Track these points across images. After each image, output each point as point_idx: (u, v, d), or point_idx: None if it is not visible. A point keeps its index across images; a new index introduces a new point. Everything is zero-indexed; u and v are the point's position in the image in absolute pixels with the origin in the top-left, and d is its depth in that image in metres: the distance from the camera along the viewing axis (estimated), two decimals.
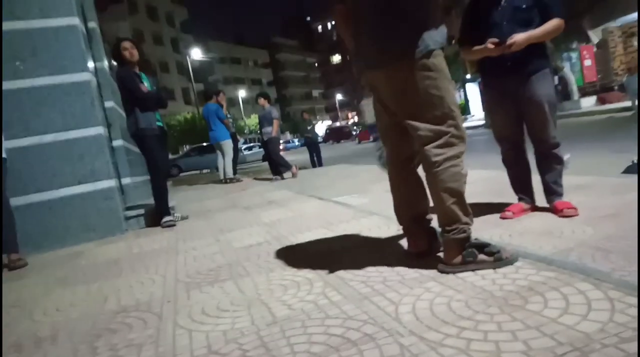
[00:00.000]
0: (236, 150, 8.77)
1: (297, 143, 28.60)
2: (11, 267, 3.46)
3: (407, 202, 2.07)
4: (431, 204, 1.95)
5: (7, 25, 3.99)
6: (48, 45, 4.11)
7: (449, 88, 1.82)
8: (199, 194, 7.36)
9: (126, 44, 4.26)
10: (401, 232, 2.19)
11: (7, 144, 3.77)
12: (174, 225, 4.31)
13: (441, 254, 1.92)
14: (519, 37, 2.32)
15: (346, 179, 6.41)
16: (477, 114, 28.17)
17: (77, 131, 4.22)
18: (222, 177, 8.59)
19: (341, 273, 2.00)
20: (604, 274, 1.54)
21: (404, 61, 1.78)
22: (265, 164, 11.01)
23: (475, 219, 2.03)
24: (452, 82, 1.90)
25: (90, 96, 4.27)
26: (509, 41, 2.33)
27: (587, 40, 19.06)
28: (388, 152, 2.09)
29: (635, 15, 15.56)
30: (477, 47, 2.49)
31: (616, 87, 17.13)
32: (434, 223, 2.05)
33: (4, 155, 3.66)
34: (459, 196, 1.80)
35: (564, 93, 17.80)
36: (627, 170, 3.69)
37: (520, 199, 2.66)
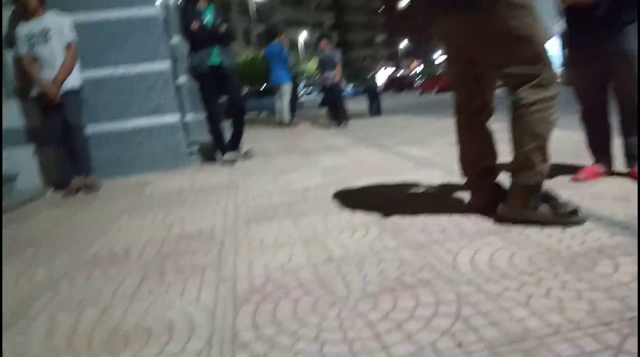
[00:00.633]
0: (295, 94, 8.72)
1: (349, 91, 27.91)
2: (86, 189, 3.74)
3: (475, 156, 1.99)
4: (499, 160, 1.87)
5: None
6: None
7: (537, 25, 1.69)
8: (256, 136, 7.49)
9: None
10: (463, 186, 2.14)
11: (83, 75, 3.96)
12: (231, 163, 4.41)
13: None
14: None
15: (406, 129, 6.27)
16: (555, 69, 26.17)
17: (145, 65, 4.36)
18: (279, 120, 8.65)
19: (398, 220, 2.00)
20: None
21: (484, 2, 1.65)
22: (322, 110, 10.93)
23: (546, 180, 1.93)
24: (539, 19, 1.74)
25: (157, 31, 4.35)
26: None
27: None
28: (458, 103, 2.00)
29: None
30: None
31: None
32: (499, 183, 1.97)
33: (80, 84, 3.86)
34: (542, 141, 1.70)
35: None
36: None
37: (596, 162, 2.49)
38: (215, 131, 4.51)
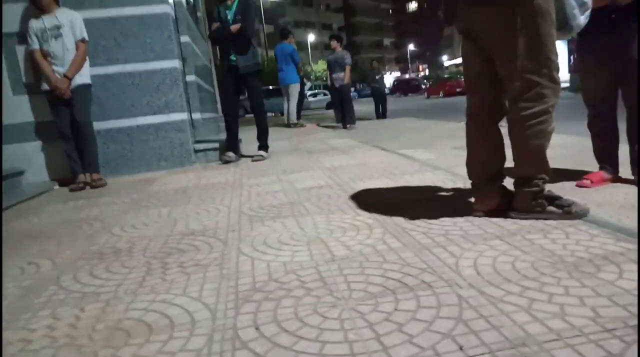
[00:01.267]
0: (302, 95, 8.71)
1: (355, 93, 27.97)
2: (93, 185, 3.77)
3: (484, 159, 1.99)
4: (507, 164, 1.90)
5: None
6: None
7: (552, 34, 1.74)
8: None
9: None
10: (468, 189, 2.13)
11: (92, 71, 3.99)
12: (228, 162, 4.44)
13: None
14: None
15: (412, 132, 6.26)
16: (562, 75, 26.14)
17: (154, 63, 4.38)
18: (286, 121, 8.65)
19: (401, 222, 1.99)
20: None
21: None
22: (329, 112, 10.93)
23: (550, 186, 1.94)
24: (554, 29, 1.78)
25: (168, 29, 4.38)
26: None
27: None
28: (473, 104, 2.00)
29: None
30: None
31: None
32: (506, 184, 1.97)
33: (89, 81, 3.88)
34: (540, 153, 1.81)
35: None
36: None
37: (601, 168, 2.47)
38: (226, 129, 4.56)
